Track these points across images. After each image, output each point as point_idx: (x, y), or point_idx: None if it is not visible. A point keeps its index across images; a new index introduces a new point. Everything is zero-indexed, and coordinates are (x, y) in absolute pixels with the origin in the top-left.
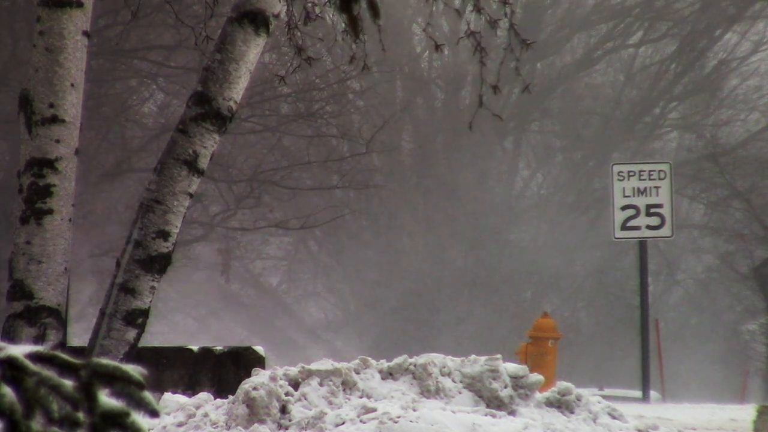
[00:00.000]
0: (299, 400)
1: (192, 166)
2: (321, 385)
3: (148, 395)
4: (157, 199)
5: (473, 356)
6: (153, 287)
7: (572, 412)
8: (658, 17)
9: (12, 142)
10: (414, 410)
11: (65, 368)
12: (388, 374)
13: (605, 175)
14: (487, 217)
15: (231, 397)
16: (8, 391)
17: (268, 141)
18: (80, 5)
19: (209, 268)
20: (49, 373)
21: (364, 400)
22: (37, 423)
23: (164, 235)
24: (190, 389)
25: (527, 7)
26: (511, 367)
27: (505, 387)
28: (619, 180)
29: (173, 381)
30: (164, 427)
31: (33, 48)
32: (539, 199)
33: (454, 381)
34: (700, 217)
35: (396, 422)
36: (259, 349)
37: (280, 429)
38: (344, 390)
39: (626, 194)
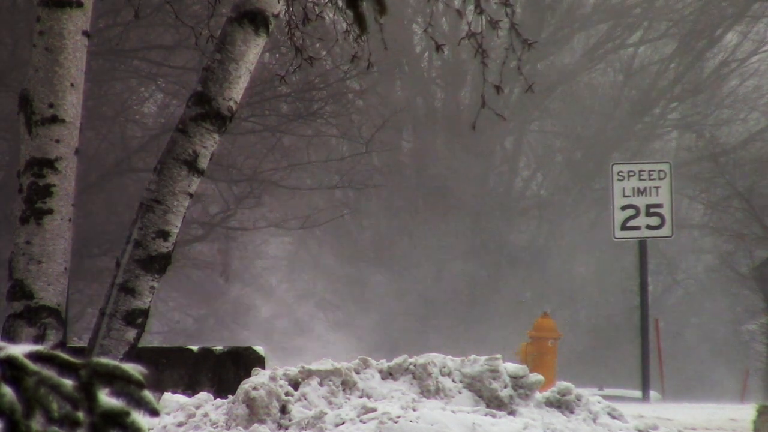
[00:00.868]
0: (299, 400)
1: (192, 166)
2: (321, 385)
3: (148, 394)
4: (157, 199)
5: (473, 356)
6: (153, 287)
7: (572, 412)
8: (658, 16)
9: (12, 142)
10: (414, 410)
11: (65, 368)
12: (388, 374)
13: (605, 175)
14: (487, 217)
15: (231, 397)
16: (8, 391)
17: (268, 141)
18: (80, 5)
19: (209, 268)
20: (49, 372)
21: (364, 400)
22: (37, 423)
23: (164, 235)
24: (190, 389)
25: (527, 7)
26: (511, 367)
27: (505, 387)
28: (619, 180)
29: (173, 381)
30: (164, 427)
31: (33, 48)
32: (539, 199)
33: (454, 381)
34: (700, 217)
35: (396, 422)
36: (259, 349)
37: (280, 429)
38: (344, 390)
39: (626, 194)
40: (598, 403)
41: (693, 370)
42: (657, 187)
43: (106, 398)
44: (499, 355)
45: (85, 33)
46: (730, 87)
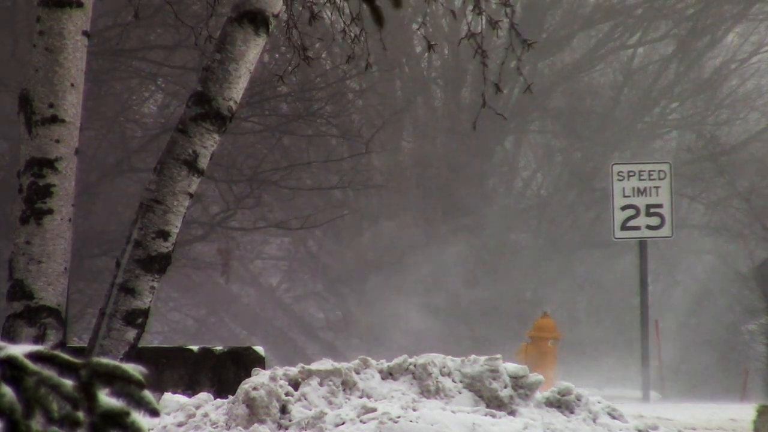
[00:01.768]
0: (299, 400)
1: (192, 166)
2: (321, 385)
3: (148, 394)
4: (157, 199)
5: (473, 356)
6: (153, 287)
7: (572, 412)
8: (658, 16)
9: (12, 142)
10: (414, 410)
11: (65, 368)
12: (388, 374)
13: (605, 175)
14: (487, 217)
15: (231, 397)
16: (8, 391)
17: (268, 141)
18: (80, 5)
19: (209, 268)
20: (49, 372)
21: (364, 400)
22: (37, 423)
23: (164, 235)
24: (190, 389)
25: (527, 7)
26: (511, 367)
27: (505, 387)
28: (619, 180)
29: (173, 381)
30: (164, 427)
31: (33, 48)
32: (539, 199)
33: (454, 381)
34: (700, 217)
35: (396, 422)
36: (259, 349)
37: (280, 429)
38: (344, 390)
39: (626, 194)
40: (598, 403)
41: (693, 370)
42: (657, 187)
43: (106, 398)
44: (499, 355)
45: (85, 33)
46: (730, 87)
